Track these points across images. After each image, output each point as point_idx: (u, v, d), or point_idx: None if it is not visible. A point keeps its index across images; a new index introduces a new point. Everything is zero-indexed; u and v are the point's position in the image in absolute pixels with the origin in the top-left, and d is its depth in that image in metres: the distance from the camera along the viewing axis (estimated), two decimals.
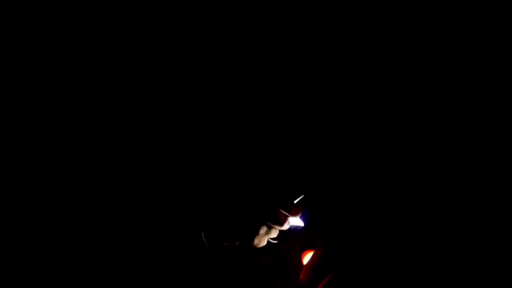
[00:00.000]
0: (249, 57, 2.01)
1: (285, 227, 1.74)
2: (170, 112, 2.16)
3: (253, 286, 1.81)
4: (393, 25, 2.15)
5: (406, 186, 2.09)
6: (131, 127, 2.15)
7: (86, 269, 2.09)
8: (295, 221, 1.75)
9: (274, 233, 1.75)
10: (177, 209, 1.89)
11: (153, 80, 2.17)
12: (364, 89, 2.14)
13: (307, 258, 1.80)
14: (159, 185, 2.03)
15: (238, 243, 1.77)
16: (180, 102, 2.16)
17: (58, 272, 2.09)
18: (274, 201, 1.75)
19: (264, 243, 1.77)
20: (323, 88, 1.90)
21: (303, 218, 1.75)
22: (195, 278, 1.89)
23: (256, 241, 1.75)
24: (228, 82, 2.07)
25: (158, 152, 2.14)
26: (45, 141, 2.12)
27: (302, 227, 1.77)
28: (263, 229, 1.75)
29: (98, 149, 2.14)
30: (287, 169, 1.87)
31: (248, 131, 1.91)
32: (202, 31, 2.17)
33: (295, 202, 1.74)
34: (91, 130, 2.14)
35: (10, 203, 2.09)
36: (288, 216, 1.73)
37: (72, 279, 2.09)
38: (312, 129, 1.88)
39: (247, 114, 1.91)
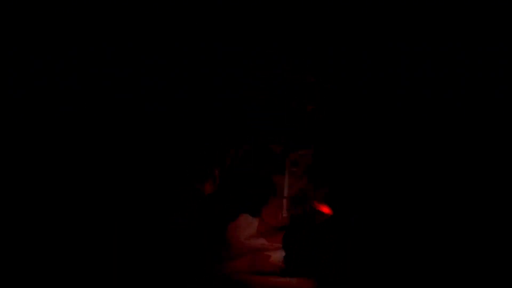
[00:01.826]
0: (249, 57, 2.01)
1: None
2: (170, 112, 2.15)
3: None
4: (393, 25, 2.15)
5: (406, 186, 2.09)
6: (131, 127, 2.15)
7: (86, 269, 2.10)
8: None
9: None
10: (177, 210, 1.89)
11: (153, 80, 2.16)
12: (364, 89, 2.14)
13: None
14: (159, 185, 2.03)
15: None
16: (180, 102, 2.16)
17: (58, 272, 2.09)
18: None
19: None
20: (323, 88, 1.90)
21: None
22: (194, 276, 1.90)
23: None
24: (228, 82, 2.07)
25: (158, 152, 2.13)
26: (45, 141, 2.12)
27: None
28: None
29: (98, 149, 2.14)
30: (287, 169, 1.87)
31: (248, 131, 1.91)
32: (202, 31, 2.17)
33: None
34: (91, 130, 2.14)
35: (10, 203, 2.09)
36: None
37: (72, 279, 2.09)
38: (312, 129, 1.88)
39: (247, 114, 1.91)
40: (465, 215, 2.09)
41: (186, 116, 2.13)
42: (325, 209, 1.81)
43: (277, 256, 1.82)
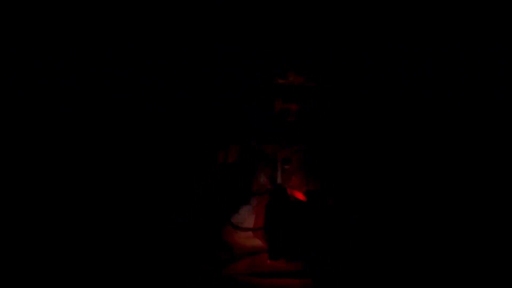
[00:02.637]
0: (249, 57, 2.01)
1: None
2: (170, 112, 2.16)
3: None
4: (393, 25, 2.15)
5: (406, 185, 2.09)
6: (131, 127, 2.16)
7: (86, 269, 2.10)
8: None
9: None
10: (177, 209, 1.89)
11: (153, 80, 2.17)
12: (364, 89, 2.14)
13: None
14: (159, 185, 2.03)
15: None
16: (180, 102, 2.16)
17: (58, 272, 2.09)
18: None
19: None
20: (323, 88, 1.90)
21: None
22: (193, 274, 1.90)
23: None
24: (228, 82, 2.07)
25: (158, 152, 2.14)
26: (45, 141, 2.12)
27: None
28: None
29: (98, 149, 2.14)
30: (288, 168, 1.87)
31: (248, 131, 1.91)
32: (202, 31, 2.17)
33: None
34: (91, 130, 2.14)
35: (10, 202, 2.09)
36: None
37: (72, 279, 2.09)
38: (313, 129, 1.88)
39: (247, 114, 1.91)
40: (465, 215, 2.09)
41: (185, 116, 2.14)
42: (299, 195, 1.82)
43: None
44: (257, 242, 1.81)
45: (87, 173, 2.13)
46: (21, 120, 2.11)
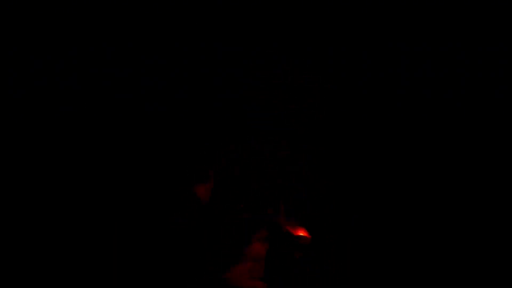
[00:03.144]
0: (249, 57, 2.01)
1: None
2: (170, 112, 2.16)
3: None
4: (393, 25, 2.15)
5: (406, 185, 2.09)
6: (131, 127, 2.16)
7: (86, 269, 2.10)
8: None
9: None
10: (177, 209, 1.89)
11: (153, 80, 2.17)
12: (364, 89, 2.14)
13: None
14: (159, 185, 2.03)
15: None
16: (180, 102, 2.16)
17: (58, 272, 2.09)
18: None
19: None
20: (323, 88, 1.90)
21: None
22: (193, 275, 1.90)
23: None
24: (228, 82, 2.07)
25: (158, 152, 2.14)
26: (45, 141, 2.12)
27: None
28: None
29: (98, 149, 2.14)
30: (288, 168, 1.87)
31: (248, 131, 1.91)
32: (202, 31, 2.17)
33: None
34: (91, 130, 2.14)
35: (11, 203, 2.09)
36: None
37: (72, 279, 2.09)
38: (312, 129, 1.88)
39: (247, 114, 1.92)
40: (465, 215, 2.10)
41: (185, 116, 2.14)
42: (303, 232, 1.81)
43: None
44: (255, 247, 1.81)
45: (87, 173, 2.13)
46: (21, 120, 2.11)
